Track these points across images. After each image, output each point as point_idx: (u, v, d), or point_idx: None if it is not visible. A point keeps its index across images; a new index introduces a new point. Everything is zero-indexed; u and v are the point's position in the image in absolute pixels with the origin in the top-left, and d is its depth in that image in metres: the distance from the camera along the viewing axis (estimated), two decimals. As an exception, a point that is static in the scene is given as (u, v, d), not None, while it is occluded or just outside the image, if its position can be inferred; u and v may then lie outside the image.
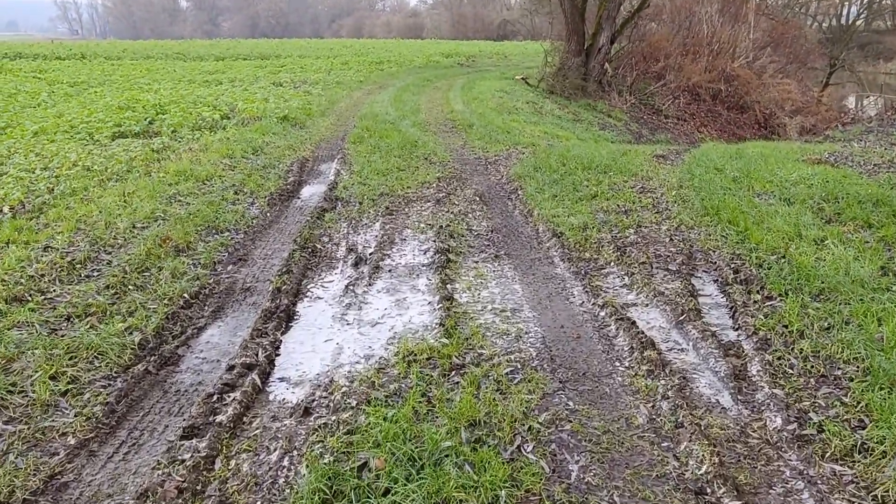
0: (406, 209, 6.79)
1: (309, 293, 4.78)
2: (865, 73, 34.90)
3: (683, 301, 4.45)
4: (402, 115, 13.53)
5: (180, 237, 5.40)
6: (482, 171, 8.83)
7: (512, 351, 3.86)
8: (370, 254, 5.49)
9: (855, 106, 29.07)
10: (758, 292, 4.52)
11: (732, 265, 5.02)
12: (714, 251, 5.35)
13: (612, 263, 5.23)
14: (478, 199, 7.23)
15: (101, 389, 3.43)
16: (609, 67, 21.01)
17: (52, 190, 6.95)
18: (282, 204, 7.00)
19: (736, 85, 23.78)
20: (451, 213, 6.66)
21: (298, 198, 7.36)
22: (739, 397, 3.40)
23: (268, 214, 6.56)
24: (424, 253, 5.52)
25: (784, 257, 5.10)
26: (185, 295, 4.51)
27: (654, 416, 3.23)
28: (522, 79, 20.88)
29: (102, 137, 9.81)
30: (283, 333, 4.14)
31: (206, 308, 4.47)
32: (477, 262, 5.35)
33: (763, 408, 3.29)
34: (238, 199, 6.87)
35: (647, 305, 4.49)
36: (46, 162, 8.12)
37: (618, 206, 6.66)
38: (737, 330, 4.12)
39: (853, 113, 23.29)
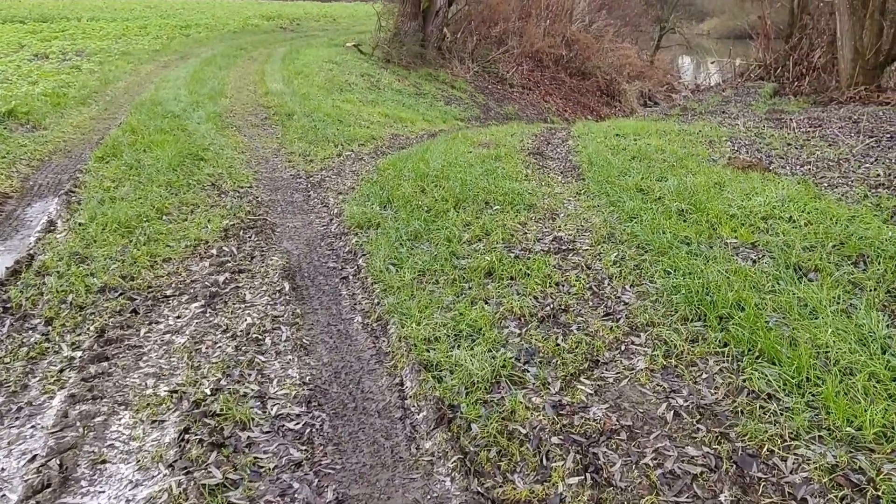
0: (142, 331, 3.28)
1: None
2: (685, 34, 34.46)
3: None
4: (197, 101, 9.56)
5: None
6: (301, 206, 5.40)
7: None
8: (-17, 562, 2.01)
9: (675, 67, 28.25)
10: None
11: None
12: (783, 464, 2.40)
13: (585, 522, 2.14)
14: (287, 285, 3.84)
15: None
16: (448, 32, 17.90)
17: None
18: None
19: (577, 50, 21.78)
20: (233, 336, 3.25)
21: (-64, 305, 3.57)
22: None
23: None
24: (136, 533, 2.12)
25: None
26: None
27: None
28: (354, 45, 17.20)
29: None
30: None
31: None
32: (267, 558, 2.05)
33: None
34: None
35: None
36: None
37: (536, 299, 3.55)
38: None
39: (695, 78, 21.89)
